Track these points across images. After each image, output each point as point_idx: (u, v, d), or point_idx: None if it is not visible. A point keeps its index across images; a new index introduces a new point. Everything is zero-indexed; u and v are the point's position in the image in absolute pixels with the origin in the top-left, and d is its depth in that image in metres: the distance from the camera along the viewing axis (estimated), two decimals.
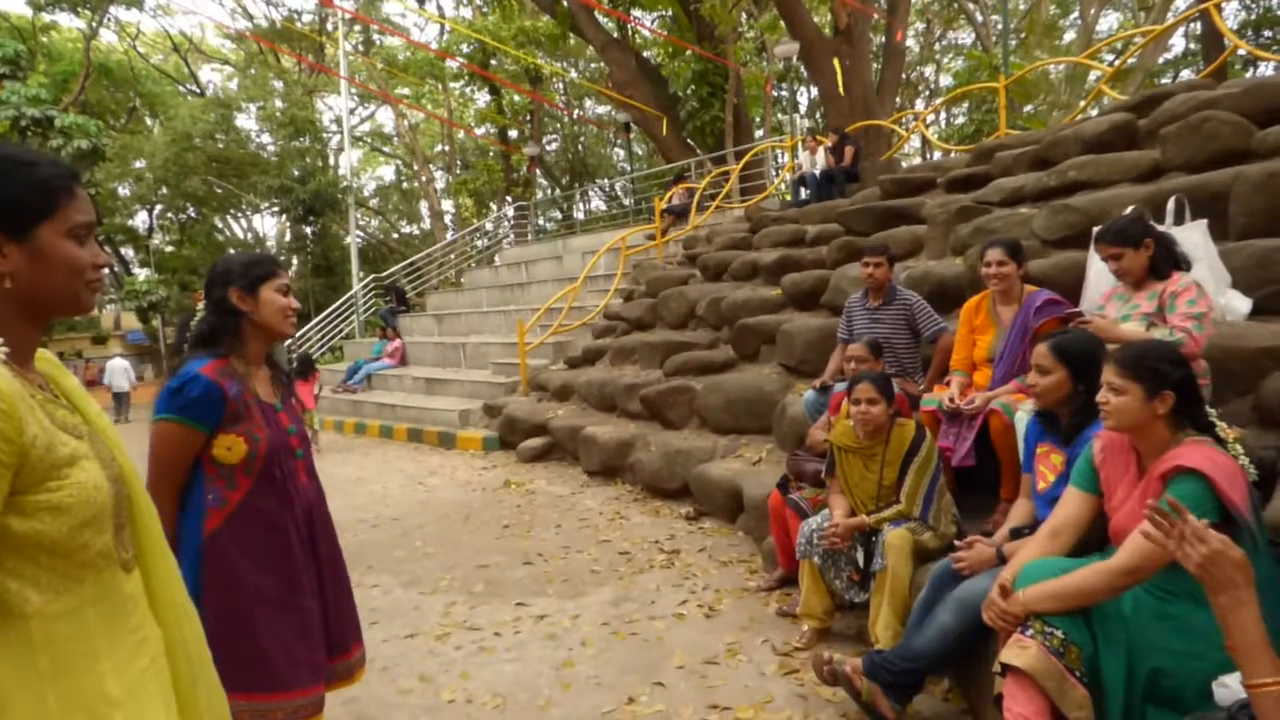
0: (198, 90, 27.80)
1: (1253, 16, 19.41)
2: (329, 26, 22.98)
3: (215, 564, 1.76)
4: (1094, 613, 1.97)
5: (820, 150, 10.35)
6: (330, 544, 2.03)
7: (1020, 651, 1.94)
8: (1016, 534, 2.60)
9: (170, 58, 28.33)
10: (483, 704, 3.03)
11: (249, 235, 30.67)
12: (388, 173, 35.06)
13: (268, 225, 31.79)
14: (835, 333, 5.03)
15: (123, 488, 1.12)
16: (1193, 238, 3.36)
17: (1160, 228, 3.30)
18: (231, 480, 1.78)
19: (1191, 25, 17.17)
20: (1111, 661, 1.92)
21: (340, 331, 16.20)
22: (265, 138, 21.32)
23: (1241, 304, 3.33)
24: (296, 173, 18.93)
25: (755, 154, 14.10)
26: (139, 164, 20.82)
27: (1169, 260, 3.04)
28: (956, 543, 2.76)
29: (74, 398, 1.15)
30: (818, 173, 10.08)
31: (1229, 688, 1.71)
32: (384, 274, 17.22)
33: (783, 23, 14.81)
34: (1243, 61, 17.54)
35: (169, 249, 28.00)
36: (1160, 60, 21.49)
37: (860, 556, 3.19)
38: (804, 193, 10.28)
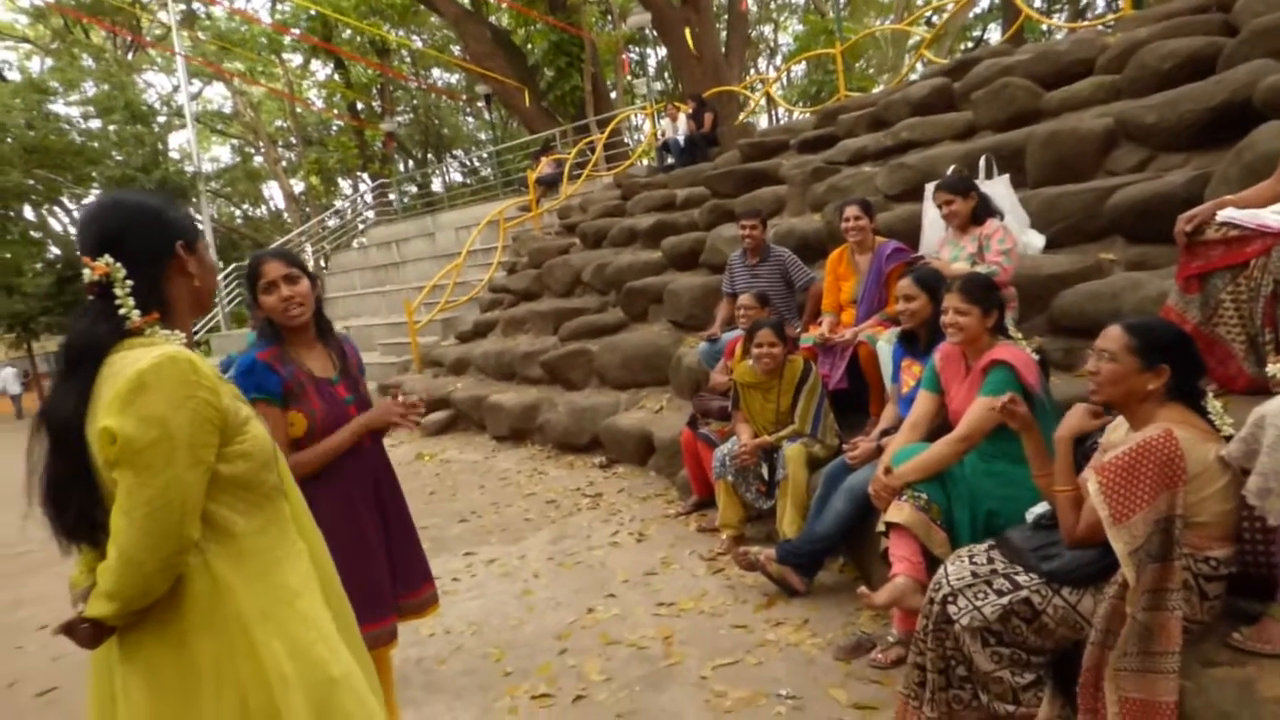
0: None
1: None
2: None
3: None
4: (946, 477, 2.69)
5: (681, 117, 10.96)
6: (396, 502, 2.33)
7: (898, 511, 2.64)
8: (886, 434, 3.33)
9: None
10: (460, 631, 3.48)
11: (71, 231, 28.01)
12: (223, 153, 32.86)
13: None
14: (716, 289, 5.67)
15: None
16: (999, 190, 4.20)
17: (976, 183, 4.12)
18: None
19: None
20: (960, 510, 2.64)
21: (205, 324, 15.43)
22: (95, 123, 19.40)
23: (1037, 240, 4.19)
24: (140, 161, 17.53)
25: (618, 121, 14.54)
26: None
27: (986, 209, 3.84)
28: (845, 447, 3.45)
29: None
30: (681, 139, 10.69)
31: (1035, 514, 2.45)
32: (246, 262, 16.44)
33: None
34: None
35: None
36: (971, 15, 23.64)
37: (765, 471, 3.85)
38: (669, 158, 10.89)
